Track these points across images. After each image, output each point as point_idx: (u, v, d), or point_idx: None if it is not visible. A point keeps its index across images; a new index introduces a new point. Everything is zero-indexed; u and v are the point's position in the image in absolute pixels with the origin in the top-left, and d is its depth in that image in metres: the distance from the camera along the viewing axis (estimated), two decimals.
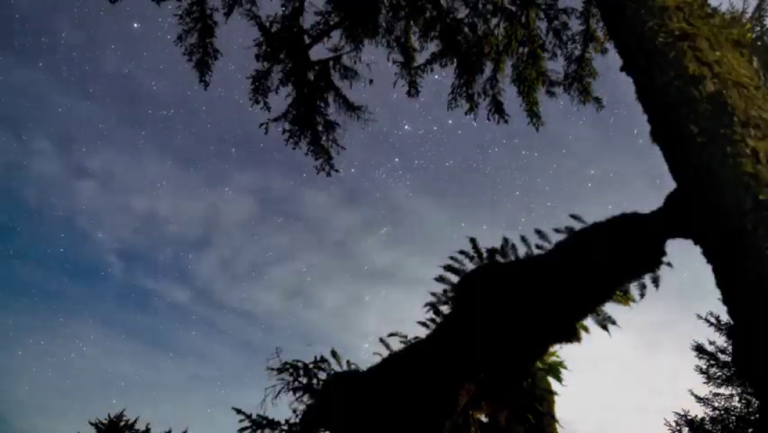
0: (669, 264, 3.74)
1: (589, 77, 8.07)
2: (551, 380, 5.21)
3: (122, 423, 18.84)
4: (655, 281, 4.15)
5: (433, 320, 5.25)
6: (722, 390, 15.44)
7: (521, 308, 3.86)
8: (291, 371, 4.81)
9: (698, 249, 2.59)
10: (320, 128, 7.94)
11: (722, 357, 15.57)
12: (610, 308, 4.63)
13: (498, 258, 5.13)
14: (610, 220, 3.69)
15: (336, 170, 8.05)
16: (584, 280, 3.74)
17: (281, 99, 7.75)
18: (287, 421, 4.64)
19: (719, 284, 2.30)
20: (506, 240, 5.16)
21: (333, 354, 4.96)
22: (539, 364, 5.09)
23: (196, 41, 7.40)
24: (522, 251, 5.00)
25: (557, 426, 5.01)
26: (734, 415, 15.00)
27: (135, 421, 19.19)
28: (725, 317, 15.38)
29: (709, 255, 2.41)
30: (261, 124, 7.72)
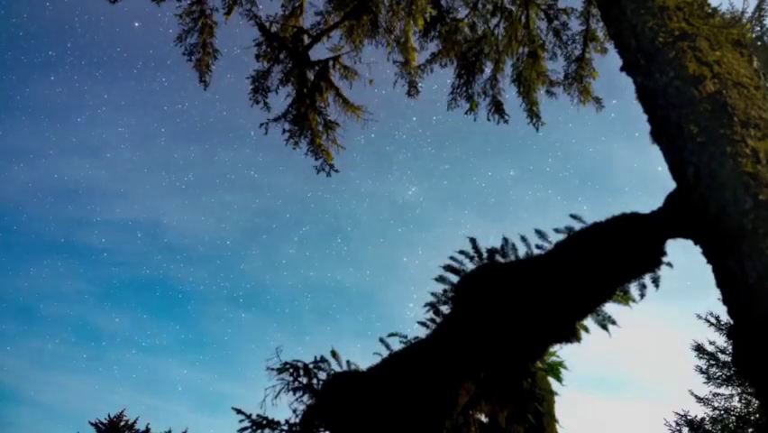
0: (669, 264, 3.75)
1: (589, 77, 8.07)
2: (551, 380, 5.20)
3: (122, 423, 18.87)
4: (655, 281, 4.15)
5: (433, 320, 5.25)
6: (722, 390, 15.46)
7: (521, 308, 3.86)
8: (291, 371, 4.81)
9: (697, 249, 2.60)
10: (320, 128, 7.95)
11: (722, 357, 15.59)
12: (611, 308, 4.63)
13: (498, 258, 5.13)
14: (610, 220, 3.69)
15: (336, 171, 8.05)
16: (584, 280, 3.74)
17: (281, 99, 7.76)
18: (287, 421, 4.64)
19: (719, 284, 2.30)
20: (506, 240, 5.17)
21: (333, 354, 4.96)
22: (539, 364, 5.09)
23: (195, 41, 7.41)
24: (522, 251, 5.01)
25: (557, 426, 5.01)
26: (734, 415, 15.01)
27: (135, 421, 19.22)
28: (725, 317, 15.39)
29: (709, 255, 2.41)
30: (261, 124, 7.73)
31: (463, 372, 4.09)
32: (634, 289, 4.33)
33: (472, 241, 5.34)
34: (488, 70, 8.19)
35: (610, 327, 4.72)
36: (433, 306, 5.32)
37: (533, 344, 4.22)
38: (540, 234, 4.76)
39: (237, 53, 7.59)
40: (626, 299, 4.50)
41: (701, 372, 15.86)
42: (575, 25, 7.80)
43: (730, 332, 2.33)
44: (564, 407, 5.12)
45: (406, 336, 5.12)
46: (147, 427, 19.38)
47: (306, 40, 7.65)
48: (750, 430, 14.52)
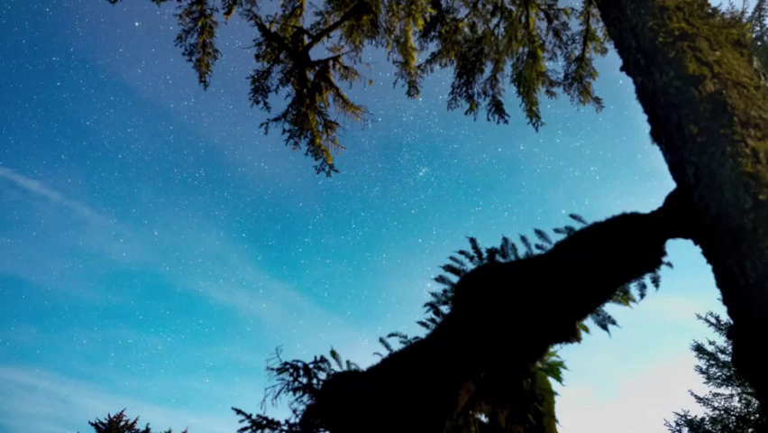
0: (669, 264, 3.75)
1: (588, 77, 8.08)
2: (551, 380, 5.20)
3: (121, 423, 18.88)
4: (655, 281, 4.15)
5: (433, 320, 5.25)
6: (722, 390, 15.47)
7: (521, 308, 3.86)
8: (291, 371, 4.81)
9: (697, 249, 2.60)
10: (320, 128, 7.96)
11: (722, 357, 15.60)
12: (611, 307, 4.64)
13: (499, 258, 5.13)
14: (610, 220, 3.69)
15: (336, 171, 8.05)
16: (584, 280, 3.74)
17: (281, 99, 7.77)
18: (287, 421, 4.64)
19: (719, 284, 2.30)
20: (506, 240, 5.17)
21: (333, 354, 4.96)
22: (539, 364, 5.09)
23: (195, 41, 7.41)
24: (522, 251, 5.01)
25: (557, 426, 5.01)
26: (734, 415, 15.01)
27: (135, 421, 19.23)
28: (725, 317, 15.39)
29: (709, 255, 2.41)
30: (262, 124, 7.73)
31: (463, 372, 4.09)
32: (634, 289, 4.34)
33: (472, 241, 5.34)
34: (488, 70, 8.20)
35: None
36: (433, 306, 5.33)
37: (533, 344, 4.22)
38: (540, 234, 4.77)
39: (237, 47, 7.59)
40: (626, 299, 4.51)
41: (701, 372, 15.88)
42: (575, 25, 7.83)
43: (730, 332, 2.31)
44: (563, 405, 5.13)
45: (406, 336, 5.12)
46: (147, 427, 19.39)
47: (306, 40, 7.66)
48: (750, 430, 14.51)
